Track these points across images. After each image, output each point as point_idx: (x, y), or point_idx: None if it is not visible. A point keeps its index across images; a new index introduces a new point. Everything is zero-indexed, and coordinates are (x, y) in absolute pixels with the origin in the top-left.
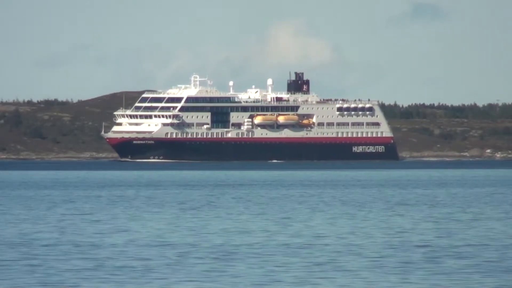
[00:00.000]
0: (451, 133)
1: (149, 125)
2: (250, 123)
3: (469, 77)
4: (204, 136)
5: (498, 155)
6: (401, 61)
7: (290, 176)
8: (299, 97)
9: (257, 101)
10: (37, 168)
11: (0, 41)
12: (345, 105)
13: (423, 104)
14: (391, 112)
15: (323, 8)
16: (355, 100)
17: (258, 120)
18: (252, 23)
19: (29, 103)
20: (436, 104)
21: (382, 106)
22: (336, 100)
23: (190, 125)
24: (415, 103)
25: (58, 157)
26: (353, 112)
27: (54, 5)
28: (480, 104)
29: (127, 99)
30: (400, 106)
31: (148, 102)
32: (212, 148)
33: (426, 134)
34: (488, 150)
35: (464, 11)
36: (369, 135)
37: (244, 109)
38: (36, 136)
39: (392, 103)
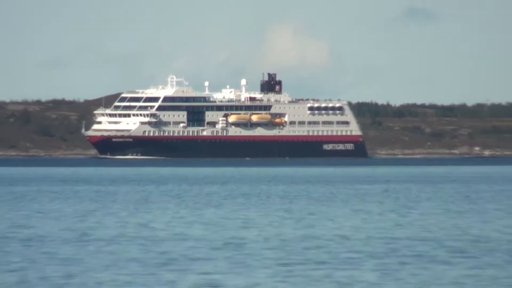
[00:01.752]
0: (441, 131)
1: (127, 123)
2: (225, 121)
3: (459, 78)
4: (181, 134)
5: (486, 153)
6: (394, 62)
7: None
8: (272, 97)
9: (231, 100)
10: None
11: (10, 43)
12: (316, 105)
13: (415, 103)
14: (384, 111)
15: (320, 11)
16: (325, 100)
17: (232, 119)
18: (251, 25)
19: (38, 102)
20: (427, 104)
21: (376, 106)
22: (307, 99)
23: (167, 123)
24: (407, 103)
25: (65, 154)
26: (323, 111)
27: (61, 9)
28: (469, 103)
29: None
30: (393, 105)
31: (127, 102)
32: (188, 146)
33: (417, 133)
34: (477, 148)
35: (454, 15)
36: (339, 133)
37: (219, 108)
38: (44, 134)
39: (385, 102)
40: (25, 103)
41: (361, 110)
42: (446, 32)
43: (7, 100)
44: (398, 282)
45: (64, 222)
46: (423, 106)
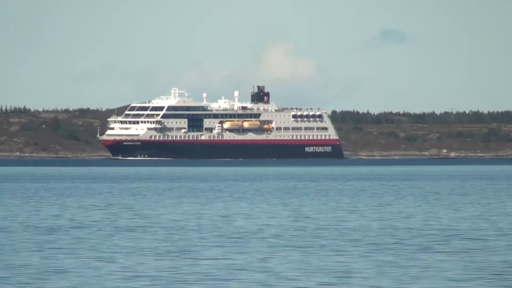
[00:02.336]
0: (414, 136)
1: (136, 129)
2: (220, 127)
3: (429, 90)
4: (182, 138)
5: (452, 154)
6: (373, 76)
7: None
8: (261, 106)
9: (226, 109)
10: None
11: (43, 59)
12: (298, 113)
13: (391, 112)
14: (364, 118)
15: (309, 34)
16: (307, 109)
17: (226, 125)
18: (250, 46)
19: (66, 111)
20: (401, 112)
21: (357, 114)
22: (291, 108)
23: (170, 129)
24: (384, 111)
25: (89, 155)
26: (305, 119)
27: (87, 31)
28: (437, 112)
29: None
30: (372, 113)
31: (136, 110)
32: (188, 149)
33: (393, 137)
34: (444, 150)
35: (422, 36)
36: (319, 137)
37: (215, 116)
38: (72, 138)
39: (365, 111)
40: (55, 111)
41: (345, 117)
42: (417, 50)
43: (40, 109)
44: (381, 265)
45: (92, 214)
46: (398, 114)
